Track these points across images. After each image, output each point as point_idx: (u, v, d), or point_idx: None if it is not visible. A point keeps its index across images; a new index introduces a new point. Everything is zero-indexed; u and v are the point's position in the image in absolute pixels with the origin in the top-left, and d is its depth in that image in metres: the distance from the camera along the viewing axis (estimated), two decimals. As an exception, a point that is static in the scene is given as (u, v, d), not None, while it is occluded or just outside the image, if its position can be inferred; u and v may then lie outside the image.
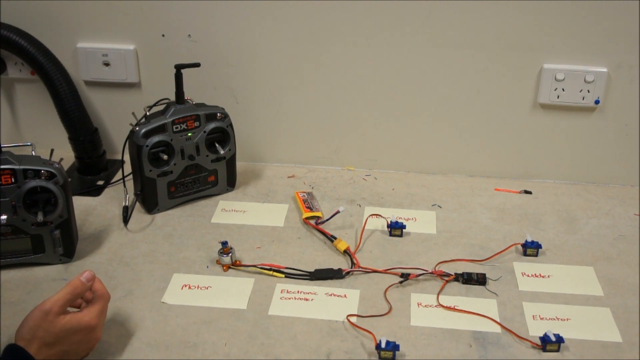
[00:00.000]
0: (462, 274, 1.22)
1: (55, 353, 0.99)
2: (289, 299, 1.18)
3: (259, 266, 1.24)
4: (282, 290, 1.19)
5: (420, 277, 1.22)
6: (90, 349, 1.04)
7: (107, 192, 1.49)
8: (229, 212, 1.42)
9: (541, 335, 1.08)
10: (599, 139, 1.48)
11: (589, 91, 1.42)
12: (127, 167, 1.40)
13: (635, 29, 1.35)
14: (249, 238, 1.33)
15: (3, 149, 1.18)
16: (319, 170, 1.57)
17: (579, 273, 1.25)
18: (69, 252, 1.26)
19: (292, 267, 1.24)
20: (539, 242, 1.29)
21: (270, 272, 1.23)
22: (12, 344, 0.96)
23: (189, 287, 1.20)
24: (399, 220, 1.34)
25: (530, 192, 1.49)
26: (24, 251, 1.23)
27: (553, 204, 1.45)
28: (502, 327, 1.12)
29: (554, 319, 1.14)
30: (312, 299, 1.17)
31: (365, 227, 1.35)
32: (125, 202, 1.40)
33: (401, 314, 1.14)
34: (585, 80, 1.41)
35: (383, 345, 1.04)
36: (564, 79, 1.41)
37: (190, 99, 1.38)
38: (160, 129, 1.34)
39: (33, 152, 1.21)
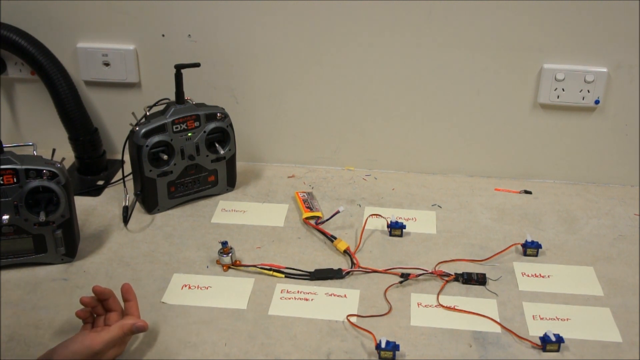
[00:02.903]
0: (462, 274, 1.22)
1: None
2: (289, 299, 1.18)
3: (259, 266, 1.24)
4: (282, 290, 1.19)
5: (420, 277, 1.22)
6: None
7: (107, 192, 1.49)
8: (229, 212, 1.42)
9: (541, 335, 1.08)
10: (599, 139, 1.48)
11: (589, 91, 1.42)
12: (127, 167, 1.41)
13: (635, 29, 1.35)
14: (249, 238, 1.33)
15: (5, 149, 1.18)
16: (319, 170, 1.57)
17: (579, 273, 1.25)
18: (71, 252, 1.26)
19: (292, 267, 1.24)
20: (539, 242, 1.29)
21: (270, 272, 1.23)
22: None
23: (189, 287, 1.20)
24: (399, 220, 1.34)
25: (530, 192, 1.49)
26: (26, 251, 1.23)
27: (553, 204, 1.45)
28: (502, 327, 1.12)
29: (554, 319, 1.14)
30: (312, 299, 1.18)
31: (365, 227, 1.35)
32: (125, 202, 1.40)
33: (401, 314, 1.14)
34: (585, 80, 1.41)
35: (383, 345, 1.04)
36: (564, 79, 1.41)
37: (190, 99, 1.38)
38: (160, 129, 1.34)
39: (35, 152, 1.21)
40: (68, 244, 1.24)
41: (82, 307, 1.08)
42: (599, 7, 1.34)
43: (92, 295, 1.08)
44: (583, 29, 1.37)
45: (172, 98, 1.37)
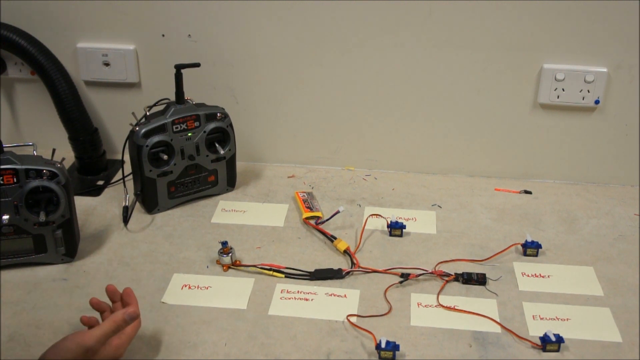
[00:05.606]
0: (462, 274, 1.22)
1: None
2: (289, 299, 1.18)
3: (259, 266, 1.24)
4: (282, 290, 1.19)
5: (420, 277, 1.22)
6: None
7: (107, 192, 1.49)
8: (229, 212, 1.42)
9: (541, 335, 1.08)
10: (599, 139, 1.48)
11: (589, 91, 1.42)
12: (127, 167, 1.41)
13: (635, 29, 1.35)
14: (249, 238, 1.33)
15: (5, 149, 1.18)
16: (319, 170, 1.57)
17: (579, 273, 1.25)
18: (71, 252, 1.26)
19: (292, 267, 1.24)
20: (539, 242, 1.29)
21: (270, 272, 1.23)
22: None
23: (189, 287, 1.20)
24: (399, 220, 1.34)
25: (530, 192, 1.49)
26: (26, 251, 1.23)
27: (553, 204, 1.45)
28: (502, 327, 1.12)
29: (554, 319, 1.14)
30: (312, 299, 1.18)
31: (365, 227, 1.35)
32: (125, 202, 1.40)
33: (401, 314, 1.14)
34: (585, 80, 1.41)
35: (383, 345, 1.04)
36: (564, 79, 1.41)
37: (190, 99, 1.38)
38: (160, 129, 1.34)
39: (35, 152, 1.21)
40: (68, 244, 1.24)
41: (86, 312, 1.06)
42: (599, 7, 1.34)
43: (94, 299, 1.06)
44: (583, 29, 1.37)
45: (172, 98, 1.37)
